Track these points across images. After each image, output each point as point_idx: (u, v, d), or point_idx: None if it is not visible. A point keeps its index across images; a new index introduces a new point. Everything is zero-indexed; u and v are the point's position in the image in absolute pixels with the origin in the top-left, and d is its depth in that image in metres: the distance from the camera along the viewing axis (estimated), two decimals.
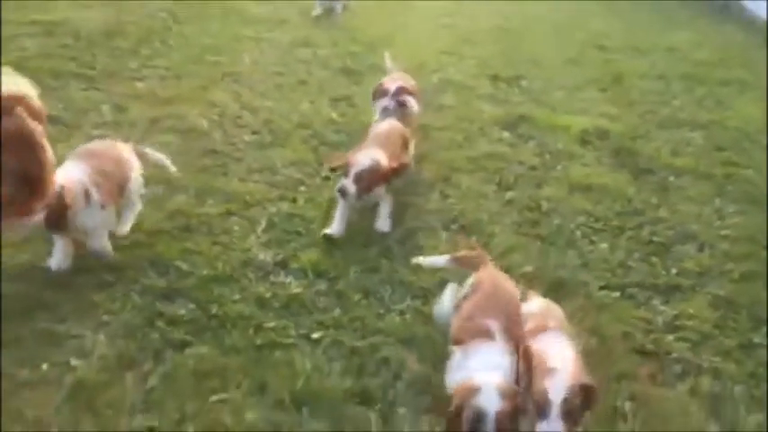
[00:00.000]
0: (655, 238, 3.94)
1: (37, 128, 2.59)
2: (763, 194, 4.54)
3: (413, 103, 4.33)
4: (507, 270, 3.45)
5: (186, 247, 3.30)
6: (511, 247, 3.67)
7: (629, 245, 3.85)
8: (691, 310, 3.37)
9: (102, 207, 3.04)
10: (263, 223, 3.59)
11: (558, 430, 2.22)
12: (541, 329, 2.58)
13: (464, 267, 3.00)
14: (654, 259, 3.75)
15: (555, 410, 2.23)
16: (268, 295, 3.09)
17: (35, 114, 2.63)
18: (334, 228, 3.53)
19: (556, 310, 2.81)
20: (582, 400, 2.29)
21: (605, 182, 4.46)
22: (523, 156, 4.67)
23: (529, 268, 3.50)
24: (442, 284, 3.25)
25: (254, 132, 4.51)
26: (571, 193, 4.30)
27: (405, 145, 4.00)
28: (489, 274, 2.87)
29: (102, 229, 3.13)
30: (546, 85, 5.92)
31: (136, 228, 3.34)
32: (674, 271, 3.67)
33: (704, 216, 4.24)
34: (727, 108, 5.87)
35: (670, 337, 3.19)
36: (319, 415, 2.54)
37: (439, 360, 2.74)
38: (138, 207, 3.39)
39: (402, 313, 3.11)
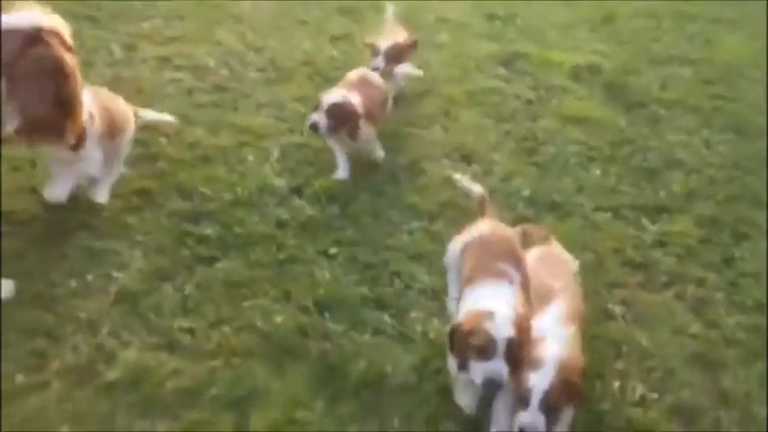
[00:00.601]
0: (644, 165, 4.22)
1: (71, 59, 2.79)
2: (748, 125, 4.83)
3: (399, 74, 4.43)
4: (508, 194, 3.77)
5: (207, 175, 3.53)
6: (510, 173, 3.94)
7: (621, 171, 4.13)
8: (677, 228, 3.68)
9: (99, 143, 3.08)
10: (276, 153, 3.83)
11: (537, 422, 2.28)
12: (546, 297, 2.61)
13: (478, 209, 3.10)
14: (643, 183, 4.04)
15: (536, 402, 2.28)
16: (285, 217, 3.35)
17: (68, 48, 2.81)
18: (340, 172, 3.69)
19: (565, 266, 2.88)
20: (565, 396, 2.32)
21: (597, 114, 4.71)
22: (519, 90, 4.89)
23: (527, 192, 3.78)
24: (444, 206, 3.55)
25: (259, 70, 4.69)
26: (565, 124, 4.54)
27: (383, 101, 4.01)
28: (491, 223, 2.94)
29: (87, 166, 3.09)
30: (540, 23, 6.08)
31: (159, 157, 3.58)
32: (662, 194, 3.97)
33: (692, 145, 4.52)
34: (716, 45, 6.08)
35: (658, 252, 3.50)
36: (340, 318, 2.83)
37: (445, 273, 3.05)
38: (119, 171, 3.35)
39: (410, 233, 3.39)
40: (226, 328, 2.70)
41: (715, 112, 4.98)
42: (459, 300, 2.62)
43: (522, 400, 2.33)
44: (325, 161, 3.79)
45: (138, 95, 4.04)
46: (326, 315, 2.84)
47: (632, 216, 3.74)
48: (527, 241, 2.96)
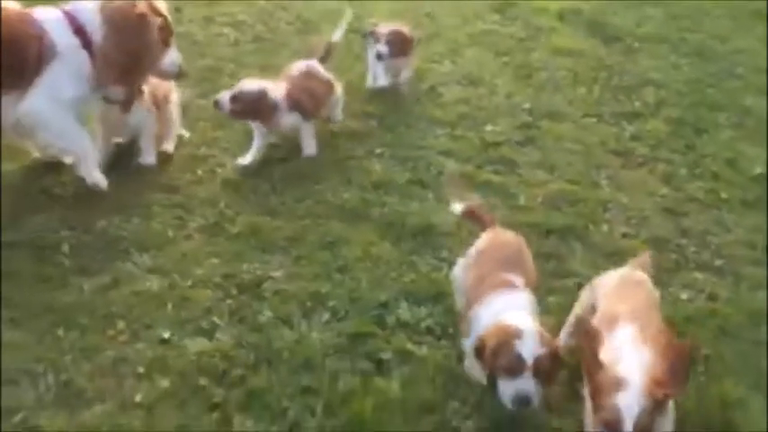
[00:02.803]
0: (622, 84, 5.30)
1: (156, 20, 3.69)
2: (709, 50, 5.94)
3: (404, 79, 4.88)
4: (512, 107, 4.79)
5: None
6: (511, 92, 4.99)
7: (602, 89, 5.19)
8: (650, 127, 4.75)
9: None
10: None
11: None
12: (612, 321, 2.52)
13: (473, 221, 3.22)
14: (621, 97, 5.11)
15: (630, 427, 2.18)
16: (336, 130, 4.36)
17: (156, 12, 3.72)
18: (247, 156, 3.95)
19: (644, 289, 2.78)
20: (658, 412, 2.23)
21: (581, 47, 5.76)
22: (513, 31, 5.93)
23: (527, 105, 4.82)
24: (461, 117, 4.58)
25: (288, 23, 5.69)
26: (554, 56, 5.59)
27: (325, 93, 4.26)
28: (494, 234, 3.01)
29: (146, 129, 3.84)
30: None
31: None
32: (637, 104, 5.04)
33: (662, 68, 5.60)
34: None
35: (634, 143, 4.57)
36: (392, 193, 3.84)
37: (469, 160, 4.09)
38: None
39: (436, 137, 4.41)
40: (308, 201, 3.71)
41: (682, 41, 6.07)
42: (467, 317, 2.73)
43: (609, 426, 2.22)
44: (358, 89, 4.78)
45: (194, 47, 5.04)
46: (381, 192, 3.85)
47: (613, 120, 4.80)
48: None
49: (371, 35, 4.79)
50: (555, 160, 4.27)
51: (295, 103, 4.02)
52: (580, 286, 3.21)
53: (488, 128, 4.51)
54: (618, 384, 2.22)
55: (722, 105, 5.10)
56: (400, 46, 4.73)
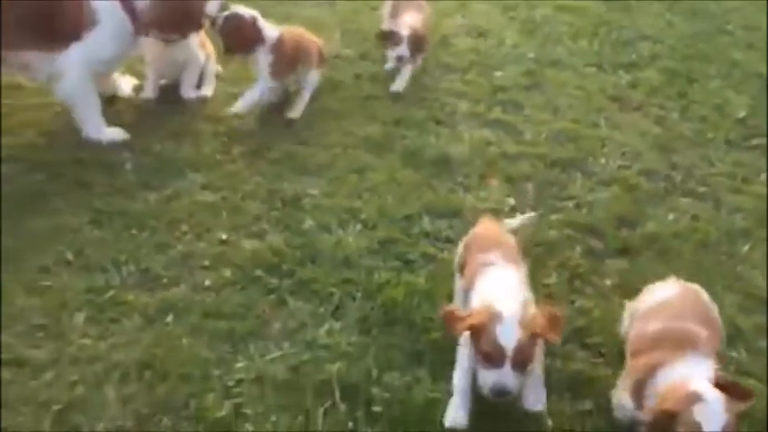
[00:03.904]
0: (620, 38, 5.78)
1: None
2: (703, 9, 6.43)
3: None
4: (518, 56, 5.27)
5: None
6: (517, 43, 5.48)
7: (602, 42, 5.68)
8: (645, 75, 5.24)
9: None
10: (337, 35, 5.28)
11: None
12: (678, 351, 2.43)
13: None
14: (619, 49, 5.60)
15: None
16: (359, 72, 4.84)
17: None
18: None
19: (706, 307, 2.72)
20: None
21: (583, 4, 6.24)
22: None
23: (532, 55, 5.30)
24: (471, 64, 5.06)
25: None
26: (557, 12, 6.07)
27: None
28: (484, 226, 3.11)
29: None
30: None
31: None
32: (633, 56, 5.53)
33: (657, 24, 6.09)
34: None
35: (630, 90, 5.07)
36: (410, 127, 4.33)
37: (480, 101, 4.58)
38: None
39: (450, 81, 4.90)
40: (336, 134, 4.20)
41: (677, 1, 6.54)
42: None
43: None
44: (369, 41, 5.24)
45: None
46: (402, 127, 4.34)
47: (611, 70, 5.30)
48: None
49: (390, 37, 4.71)
50: (558, 103, 4.77)
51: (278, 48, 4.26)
52: (579, 206, 3.77)
53: (497, 74, 5.00)
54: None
55: (712, 58, 5.60)
56: (419, 44, 4.73)
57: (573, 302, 3.19)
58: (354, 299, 3.09)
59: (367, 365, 2.76)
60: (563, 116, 4.64)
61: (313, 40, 4.59)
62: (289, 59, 4.33)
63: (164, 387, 2.58)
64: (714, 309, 2.74)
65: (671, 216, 3.85)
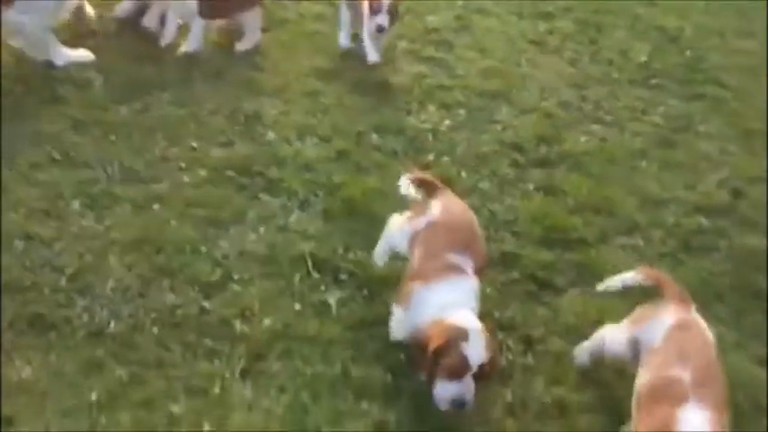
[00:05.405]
0: None
1: None
2: None
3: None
4: (447, 4, 5.85)
5: None
6: None
7: None
8: (560, 25, 5.94)
9: None
10: None
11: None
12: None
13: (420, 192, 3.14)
14: (537, 1, 6.26)
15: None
16: (303, 11, 5.29)
17: None
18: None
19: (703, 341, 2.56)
20: None
21: None
22: None
23: (460, 2, 5.90)
24: (406, 10, 5.59)
25: None
26: None
27: None
28: (447, 204, 2.99)
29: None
30: None
31: None
32: (550, 8, 6.20)
33: None
34: None
35: (548, 36, 5.74)
36: (355, 60, 4.84)
37: (415, 41, 5.15)
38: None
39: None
40: (288, 63, 4.67)
41: None
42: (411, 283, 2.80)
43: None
44: None
45: None
46: (347, 60, 4.85)
47: (530, 18, 5.96)
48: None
49: (371, 5, 4.70)
50: (484, 45, 5.39)
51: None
52: (505, 129, 4.42)
53: (430, 18, 5.57)
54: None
55: (618, 12, 6.35)
56: (395, 14, 4.77)
57: (503, 201, 3.83)
58: (317, 195, 3.61)
59: (333, 245, 3.31)
60: (489, 56, 5.27)
61: None
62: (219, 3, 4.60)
63: (160, 258, 3.04)
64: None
65: (583, 138, 4.55)
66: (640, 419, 2.36)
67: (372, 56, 4.80)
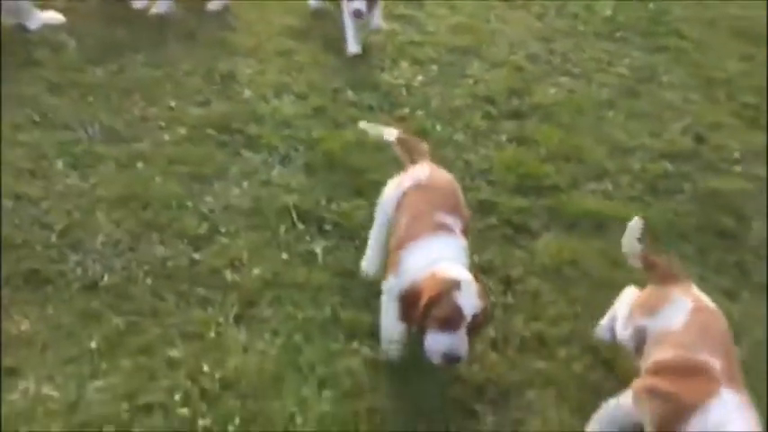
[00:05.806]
0: None
1: None
2: None
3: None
4: None
5: None
6: None
7: None
8: None
9: None
10: None
11: None
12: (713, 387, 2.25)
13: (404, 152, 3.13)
14: None
15: None
16: None
17: None
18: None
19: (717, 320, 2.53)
20: None
21: None
22: None
23: None
24: None
25: None
26: None
27: None
28: (429, 170, 2.94)
29: None
30: None
31: None
32: None
33: None
34: None
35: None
36: (327, 20, 4.89)
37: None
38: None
39: None
40: (260, 24, 4.74)
41: None
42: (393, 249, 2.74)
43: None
44: None
45: None
46: (318, 20, 4.90)
47: None
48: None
49: None
50: (454, 1, 5.51)
51: None
52: (477, 83, 4.53)
53: None
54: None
55: None
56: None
57: (478, 152, 3.96)
58: (298, 150, 3.70)
59: (316, 197, 3.41)
60: (459, 12, 5.38)
61: None
62: None
63: (147, 213, 3.12)
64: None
65: (552, 90, 4.69)
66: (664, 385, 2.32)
67: (353, 47, 4.63)
